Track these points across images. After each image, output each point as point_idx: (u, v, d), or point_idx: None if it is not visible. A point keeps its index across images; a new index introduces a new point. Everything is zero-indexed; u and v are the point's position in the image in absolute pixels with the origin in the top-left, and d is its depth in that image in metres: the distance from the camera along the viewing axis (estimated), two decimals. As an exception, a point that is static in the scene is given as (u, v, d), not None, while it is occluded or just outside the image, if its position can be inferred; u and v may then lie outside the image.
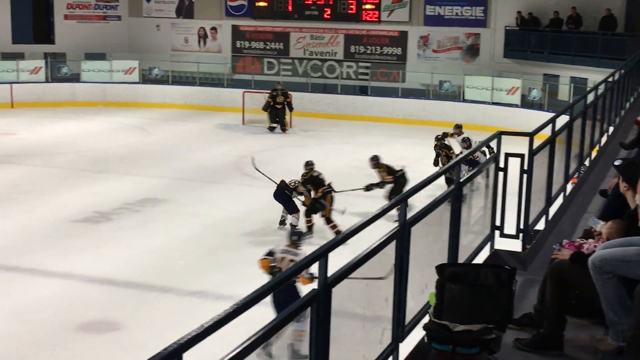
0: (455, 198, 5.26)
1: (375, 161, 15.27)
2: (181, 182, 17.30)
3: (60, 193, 16.22)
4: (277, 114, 24.42)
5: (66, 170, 18.53)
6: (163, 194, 16.23)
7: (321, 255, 3.38)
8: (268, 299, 8.46)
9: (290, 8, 30.08)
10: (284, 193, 13.88)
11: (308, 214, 13.80)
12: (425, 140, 18.48)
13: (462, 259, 5.44)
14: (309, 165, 14.26)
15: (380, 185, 15.04)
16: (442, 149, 16.28)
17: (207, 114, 27.60)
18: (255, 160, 14.46)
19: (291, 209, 13.85)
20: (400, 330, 4.40)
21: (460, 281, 4.20)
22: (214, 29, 31.66)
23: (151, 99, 29.33)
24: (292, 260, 8.82)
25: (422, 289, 4.69)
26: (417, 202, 4.90)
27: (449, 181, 15.51)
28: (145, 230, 13.61)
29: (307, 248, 10.09)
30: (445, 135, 16.75)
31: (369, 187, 15.04)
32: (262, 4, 30.50)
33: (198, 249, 12.84)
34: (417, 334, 4.51)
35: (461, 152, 16.49)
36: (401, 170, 15.13)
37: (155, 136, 23.64)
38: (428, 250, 4.94)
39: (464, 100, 26.51)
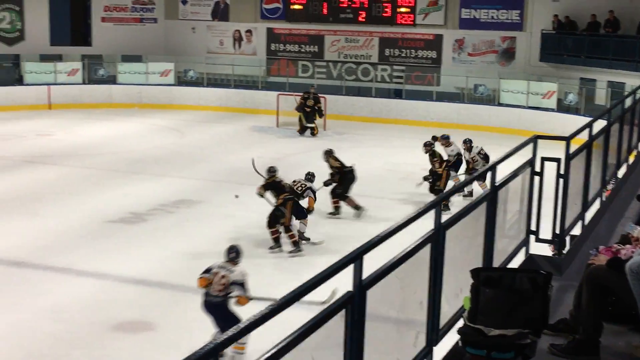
0: (490, 202, 5.23)
1: (327, 155, 15.55)
2: (215, 183, 17.39)
3: (96, 194, 16.38)
4: (307, 116, 24.49)
5: (102, 171, 18.71)
6: (197, 195, 16.32)
7: (355, 258, 3.38)
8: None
9: (325, 11, 30.12)
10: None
11: (271, 225, 12.85)
12: (460, 144, 18.33)
13: (496, 263, 5.41)
14: (271, 171, 13.29)
15: (331, 180, 15.24)
16: (431, 155, 16.08)
17: (241, 116, 27.72)
18: (255, 161, 14.20)
19: (298, 213, 13.15)
20: (434, 333, 4.38)
21: (496, 285, 4.18)
22: (249, 31, 31.79)
23: (186, 101, 29.52)
24: (223, 276, 8.57)
25: (456, 293, 4.67)
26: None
27: (434, 191, 15.59)
28: (180, 231, 13.69)
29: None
30: (435, 139, 16.56)
31: (326, 183, 15.16)
32: (297, 6, 30.58)
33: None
34: (451, 338, 4.49)
35: (458, 157, 16.46)
36: (350, 167, 15.27)
37: (190, 138, 23.79)
38: (462, 254, 4.91)
39: (499, 104, 26.33)
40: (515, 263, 5.98)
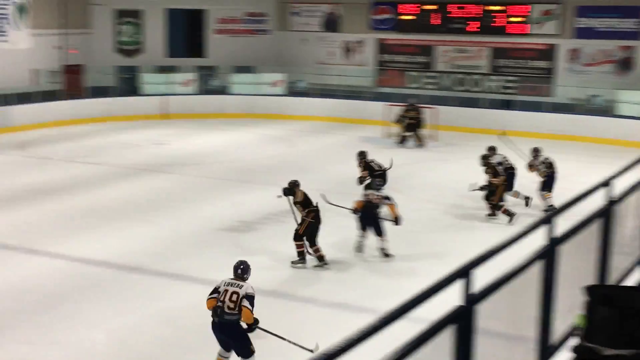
0: (606, 217, 5.08)
1: (361, 157, 16.65)
2: (325, 194, 17.48)
3: (207, 202, 16.77)
4: (410, 128, 24.47)
5: (214, 179, 19.15)
6: (306, 205, 16.48)
7: (463, 273, 3.34)
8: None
9: (435, 21, 29.95)
10: (372, 212, 13.15)
11: (298, 238, 12.62)
12: (574, 156, 17.96)
13: (612, 280, 5.24)
14: (296, 184, 12.93)
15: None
16: (486, 166, 15.86)
17: (350, 126, 27.82)
18: (326, 196, 14.21)
19: (380, 230, 13.05)
20: (545, 351, 4.28)
21: (612, 303, 4.05)
22: (358, 42, 31.93)
23: (296, 111, 29.89)
24: (234, 293, 8.31)
25: (569, 310, 4.55)
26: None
27: (488, 202, 15.33)
28: (289, 240, 13.80)
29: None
30: (491, 150, 16.55)
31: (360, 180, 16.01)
32: (407, 17, 30.51)
33: (340, 260, 12.94)
34: (562, 356, 4.37)
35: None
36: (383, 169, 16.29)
37: (300, 148, 24.03)
38: (574, 270, 4.78)
39: (616, 116, 25.51)
40: (631, 281, 5.77)
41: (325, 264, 12.55)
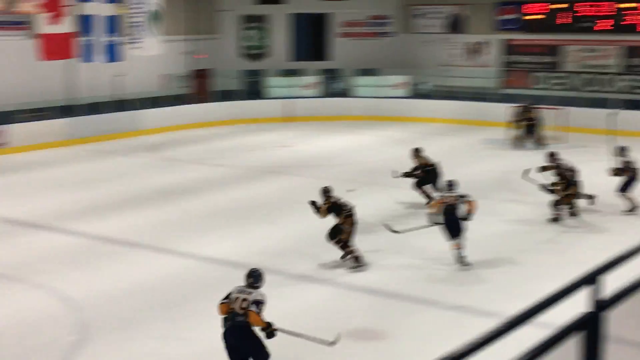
0: None
1: (415, 153, 16.90)
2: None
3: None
4: (528, 130, 23.97)
5: (336, 181, 19.11)
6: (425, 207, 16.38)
7: (590, 279, 3.22)
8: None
9: (564, 20, 29.14)
10: (453, 215, 12.61)
11: (333, 236, 12.64)
12: None
13: None
14: (327, 191, 12.80)
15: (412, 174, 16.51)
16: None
17: (474, 128, 27.44)
18: (390, 225, 14.00)
19: (460, 232, 12.61)
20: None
21: None
22: (483, 43, 31.46)
23: (420, 113, 29.73)
24: (244, 300, 8.10)
25: None
26: None
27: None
28: (416, 241, 13.69)
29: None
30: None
31: (407, 174, 16.58)
32: (534, 17, 29.83)
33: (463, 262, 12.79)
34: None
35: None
36: (433, 164, 16.51)
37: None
38: None
39: None
40: None
41: (360, 265, 12.48)
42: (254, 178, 19.86)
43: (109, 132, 26.22)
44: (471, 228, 13.33)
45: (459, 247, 12.50)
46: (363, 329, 10.20)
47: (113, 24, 25.10)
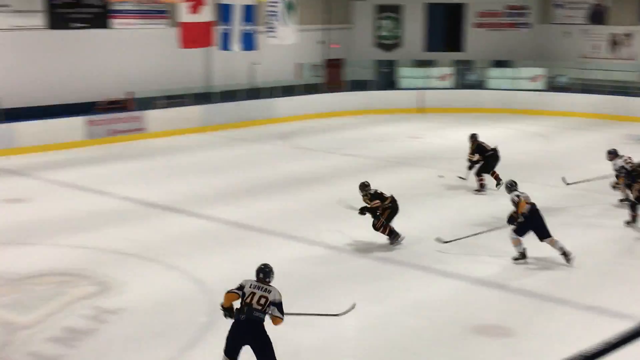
0: None
1: (472, 139, 17.22)
2: (580, 192, 16.80)
3: (456, 197, 16.75)
4: None
5: (462, 174, 18.96)
6: (559, 203, 15.93)
7: None
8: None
9: None
10: (538, 214, 12.15)
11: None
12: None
13: None
14: (366, 186, 13.29)
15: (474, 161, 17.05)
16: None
17: (615, 123, 26.46)
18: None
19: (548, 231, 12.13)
20: None
21: None
22: (627, 35, 30.22)
23: (556, 107, 28.89)
24: (262, 297, 7.75)
25: None
26: None
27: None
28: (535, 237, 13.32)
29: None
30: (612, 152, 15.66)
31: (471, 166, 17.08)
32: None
33: (595, 261, 12.37)
34: None
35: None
36: (494, 148, 16.88)
37: (557, 145, 23.23)
38: None
39: None
40: None
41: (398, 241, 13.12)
42: (383, 168, 19.84)
43: (243, 120, 26.81)
44: (607, 225, 12.86)
45: (555, 242, 12.08)
46: (493, 325, 9.98)
47: (250, 13, 25.60)
